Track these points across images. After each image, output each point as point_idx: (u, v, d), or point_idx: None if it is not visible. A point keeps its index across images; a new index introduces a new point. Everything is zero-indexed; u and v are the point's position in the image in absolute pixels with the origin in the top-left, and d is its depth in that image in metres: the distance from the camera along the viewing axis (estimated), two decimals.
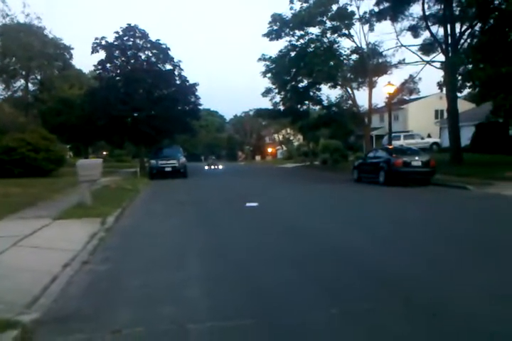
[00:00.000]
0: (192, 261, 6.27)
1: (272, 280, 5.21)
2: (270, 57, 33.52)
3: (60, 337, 3.73)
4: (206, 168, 38.09)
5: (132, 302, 4.56)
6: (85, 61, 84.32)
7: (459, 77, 24.02)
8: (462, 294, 4.56)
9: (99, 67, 33.50)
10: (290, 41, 32.33)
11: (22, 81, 39.69)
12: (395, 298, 4.50)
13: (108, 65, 33.46)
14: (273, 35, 31.75)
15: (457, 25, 24.23)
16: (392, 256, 6.34)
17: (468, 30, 24.02)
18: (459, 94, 26.68)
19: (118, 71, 33.56)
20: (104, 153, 64.46)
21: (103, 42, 32.76)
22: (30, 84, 40.72)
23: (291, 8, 30.59)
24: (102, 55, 33.08)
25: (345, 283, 5.00)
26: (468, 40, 24.19)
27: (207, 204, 13.34)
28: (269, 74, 34.22)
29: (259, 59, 33.78)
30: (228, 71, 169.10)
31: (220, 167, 38.77)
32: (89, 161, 14.89)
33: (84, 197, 11.48)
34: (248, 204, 12.08)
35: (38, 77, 40.86)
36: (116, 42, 32.85)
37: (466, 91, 29.92)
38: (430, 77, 44.88)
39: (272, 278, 5.30)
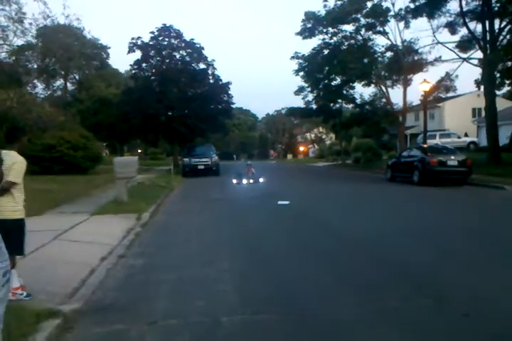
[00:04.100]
0: (224, 256, 6.38)
1: (301, 277, 5.27)
2: (303, 55, 33.48)
3: (99, 327, 3.90)
4: (234, 181, 19.52)
5: (167, 295, 4.70)
6: (122, 60, 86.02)
7: (498, 75, 23.37)
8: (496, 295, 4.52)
9: (135, 66, 34.28)
10: (323, 39, 32.20)
11: (61, 81, 40.91)
12: (427, 297, 4.50)
13: (144, 64, 34.20)
14: (306, 33, 31.68)
15: (496, 22, 23.56)
16: (428, 257, 6.29)
17: (508, 27, 23.31)
18: (497, 92, 25.96)
19: (153, 70, 34.23)
20: (139, 151, 65.60)
21: (139, 42, 33.50)
22: (69, 84, 41.96)
23: (324, 6, 30.46)
24: (137, 54, 33.86)
25: (376, 282, 5.01)
26: (508, 37, 23.48)
27: (239, 202, 13.47)
28: (301, 73, 34.19)
29: (292, 57, 33.79)
30: (261, 69, 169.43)
31: (262, 180, 19.80)
32: (125, 159, 15.28)
33: (120, 193, 11.79)
34: (280, 203, 12.13)
35: (77, 77, 42.03)
36: (151, 42, 33.51)
37: (505, 88, 29.14)
38: (468, 75, 43.81)
39: (301, 275, 5.36)
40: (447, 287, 4.78)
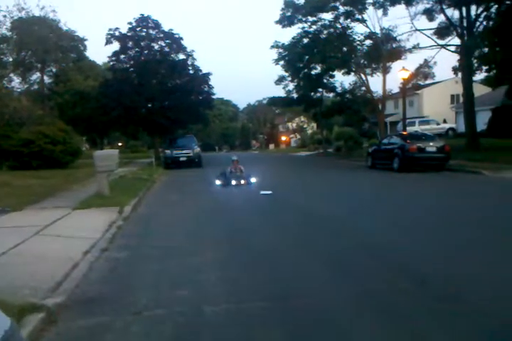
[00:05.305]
0: (207, 247, 6.42)
1: (284, 264, 5.35)
2: (283, 44, 33.40)
3: (84, 320, 3.91)
4: (218, 182, 14.84)
5: (151, 287, 4.73)
6: (99, 52, 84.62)
7: (475, 61, 23.69)
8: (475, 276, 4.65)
9: (113, 58, 33.80)
10: (303, 28, 32.16)
11: (38, 74, 40.12)
12: (407, 280, 4.61)
13: (122, 56, 33.75)
14: (285, 21, 31.57)
15: (473, 8, 23.83)
16: (408, 241, 6.43)
17: (484, 13, 23.61)
18: (474, 78, 26.33)
19: (132, 62, 33.83)
20: (120, 144, 65.04)
21: (117, 34, 33.03)
22: (45, 77, 41.17)
23: None
24: (115, 46, 33.41)
25: (359, 266, 5.12)
26: (484, 23, 23.80)
27: (222, 193, 13.48)
28: (281, 62, 34.13)
29: (272, 46, 33.71)
30: (241, 59, 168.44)
31: (254, 180, 14.70)
32: (106, 152, 15.12)
33: (101, 187, 11.72)
34: (263, 192, 12.18)
35: (53, 70, 41.27)
36: (129, 33, 33.08)
37: (483, 74, 29.57)
38: (445, 61, 44.25)
39: (284, 263, 5.44)
40: (427, 270, 4.90)
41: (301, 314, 3.85)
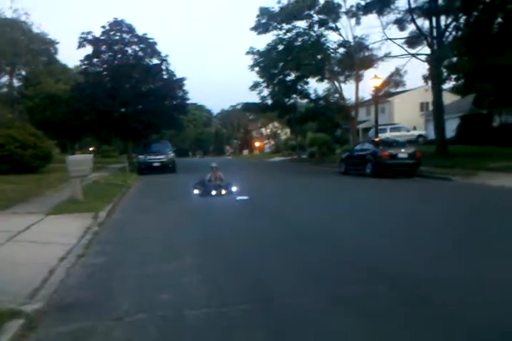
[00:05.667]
0: (185, 251, 6.44)
1: (261, 268, 5.41)
2: (258, 50, 33.67)
3: (64, 326, 3.88)
4: (196, 192, 13.39)
5: (130, 292, 4.72)
6: (70, 55, 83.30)
7: (444, 70, 24.38)
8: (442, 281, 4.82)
9: (86, 62, 33.32)
10: (278, 35, 32.52)
11: (7, 77, 39.30)
12: (381, 283, 4.74)
13: (95, 59, 33.30)
14: (261, 28, 31.92)
15: (442, 18, 24.56)
16: (382, 244, 6.58)
17: (453, 23, 24.36)
18: (444, 87, 27.08)
19: (105, 66, 33.41)
20: (91, 149, 64.07)
21: (89, 37, 32.60)
22: (15, 80, 40.37)
23: (278, 2, 30.78)
24: (88, 49, 32.97)
25: (333, 270, 5.23)
26: (454, 33, 24.54)
27: (197, 198, 13.43)
28: (256, 68, 34.38)
29: (248, 52, 33.95)
30: (216, 65, 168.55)
31: (235, 189, 13.28)
32: (79, 157, 14.93)
33: (75, 192, 11.57)
34: (239, 198, 12.23)
35: (23, 73, 40.49)
36: (102, 37, 32.69)
37: (452, 83, 30.45)
38: (416, 70, 45.27)
39: (262, 267, 5.50)
40: (400, 273, 5.05)
41: (281, 317, 3.92)
